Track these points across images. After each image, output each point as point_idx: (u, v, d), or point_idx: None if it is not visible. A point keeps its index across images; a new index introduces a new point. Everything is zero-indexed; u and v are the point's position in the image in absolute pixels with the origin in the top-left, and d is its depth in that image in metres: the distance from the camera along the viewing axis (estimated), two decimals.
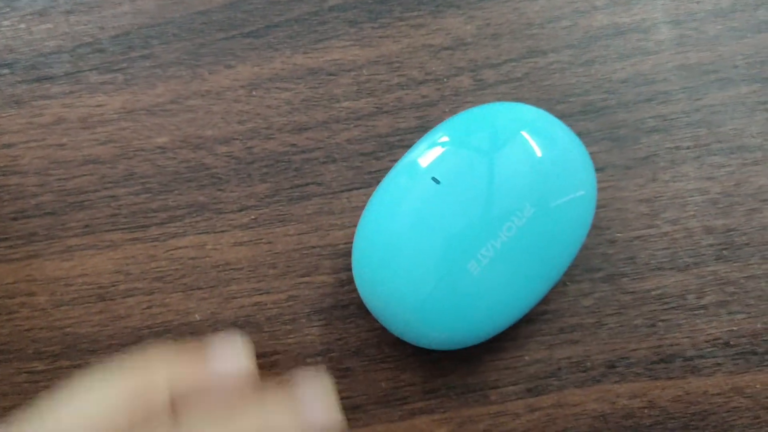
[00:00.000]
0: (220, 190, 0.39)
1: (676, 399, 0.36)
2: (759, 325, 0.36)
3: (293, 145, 0.38)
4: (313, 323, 0.38)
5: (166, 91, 0.41)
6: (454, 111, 0.38)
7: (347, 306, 0.38)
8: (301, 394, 0.28)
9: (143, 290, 0.38)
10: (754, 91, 0.38)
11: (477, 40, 0.40)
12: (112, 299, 0.38)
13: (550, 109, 0.39)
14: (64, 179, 0.39)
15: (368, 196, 0.36)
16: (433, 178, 0.31)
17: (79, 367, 0.37)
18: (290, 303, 0.38)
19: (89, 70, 0.41)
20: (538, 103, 0.39)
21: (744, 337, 0.36)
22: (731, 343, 0.36)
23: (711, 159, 0.39)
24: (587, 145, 0.38)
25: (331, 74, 0.40)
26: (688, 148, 0.39)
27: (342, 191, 0.37)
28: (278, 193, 0.38)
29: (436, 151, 0.32)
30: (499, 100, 0.39)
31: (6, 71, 0.41)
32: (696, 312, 0.38)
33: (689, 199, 0.38)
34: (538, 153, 0.32)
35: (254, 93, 0.40)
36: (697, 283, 0.38)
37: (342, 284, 0.37)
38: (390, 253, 0.31)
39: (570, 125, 0.39)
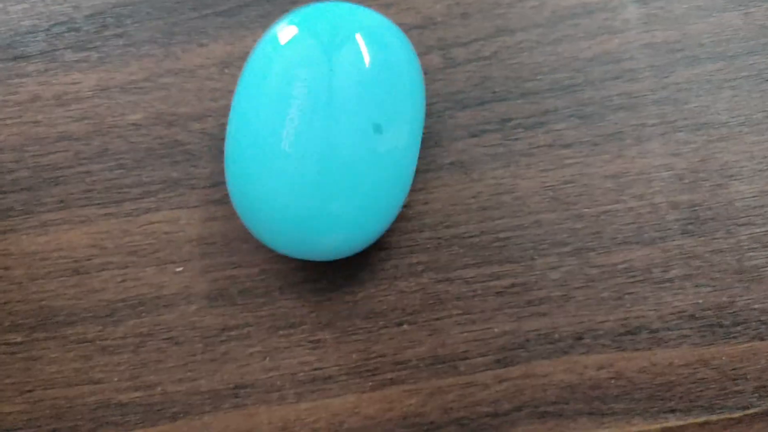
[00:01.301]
0: (193, 166, 0.39)
1: (642, 370, 0.37)
2: (724, 299, 0.37)
3: None
4: (285, 296, 0.38)
5: (139, 69, 0.41)
6: (425, 88, 0.38)
7: (319, 280, 0.38)
8: None
9: (117, 264, 0.39)
10: (719, 69, 0.39)
11: (446, 19, 0.41)
12: (86, 273, 0.38)
13: (518, 87, 0.40)
14: (39, 155, 0.40)
15: None
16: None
17: (55, 338, 0.38)
18: (263, 276, 0.39)
19: (64, 48, 0.41)
20: (506, 81, 0.39)
21: (709, 309, 0.37)
22: (697, 315, 0.37)
23: (677, 136, 0.39)
24: (555, 122, 0.40)
25: None
26: (654, 125, 0.40)
27: None
28: None
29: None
30: (468, 78, 0.39)
31: None
32: (662, 285, 0.38)
33: (655, 175, 0.39)
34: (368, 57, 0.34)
35: (226, 71, 0.41)
36: (663, 257, 0.38)
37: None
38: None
39: (538, 102, 0.40)
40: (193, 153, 0.40)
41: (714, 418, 0.37)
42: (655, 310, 0.38)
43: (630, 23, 0.41)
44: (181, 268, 0.39)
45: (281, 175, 0.33)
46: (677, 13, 0.41)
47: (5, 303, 0.39)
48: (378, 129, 0.33)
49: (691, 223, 0.38)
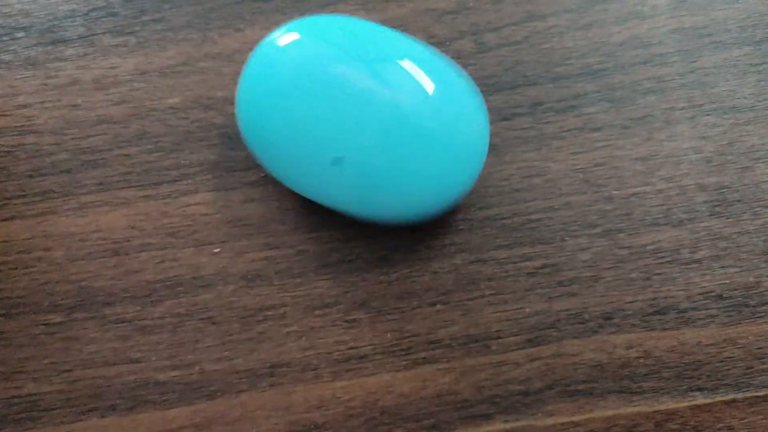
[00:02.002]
0: (230, 149, 0.40)
1: (670, 349, 0.37)
2: (751, 279, 0.37)
3: None
4: (320, 277, 0.39)
5: (177, 53, 0.41)
6: None
7: (353, 260, 0.39)
8: None
9: (156, 245, 0.39)
10: (745, 54, 0.39)
11: (479, 4, 0.41)
12: (126, 254, 0.39)
13: (549, 71, 0.40)
14: (78, 138, 0.40)
15: None
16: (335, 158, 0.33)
17: (94, 319, 0.38)
18: (299, 257, 0.39)
19: (102, 33, 0.41)
20: (537, 66, 0.40)
21: (736, 290, 0.37)
22: (724, 295, 0.37)
23: (704, 119, 0.39)
24: (585, 106, 0.40)
25: None
26: (682, 108, 0.40)
27: None
28: None
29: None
30: (500, 63, 0.40)
31: (22, 34, 0.41)
32: (690, 266, 0.38)
33: (683, 157, 0.39)
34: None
35: None
36: (691, 238, 0.39)
37: (348, 240, 0.38)
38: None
39: (568, 86, 0.40)
40: (230, 136, 0.40)
41: (740, 396, 0.37)
42: (683, 290, 0.38)
43: (659, 9, 0.41)
44: (218, 249, 0.39)
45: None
46: None
47: (45, 283, 0.39)
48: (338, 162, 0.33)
49: (718, 205, 0.38)
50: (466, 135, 0.34)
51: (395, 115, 0.33)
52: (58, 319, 0.39)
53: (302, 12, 0.41)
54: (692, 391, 0.38)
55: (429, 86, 0.34)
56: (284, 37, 0.35)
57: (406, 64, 0.34)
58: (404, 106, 0.33)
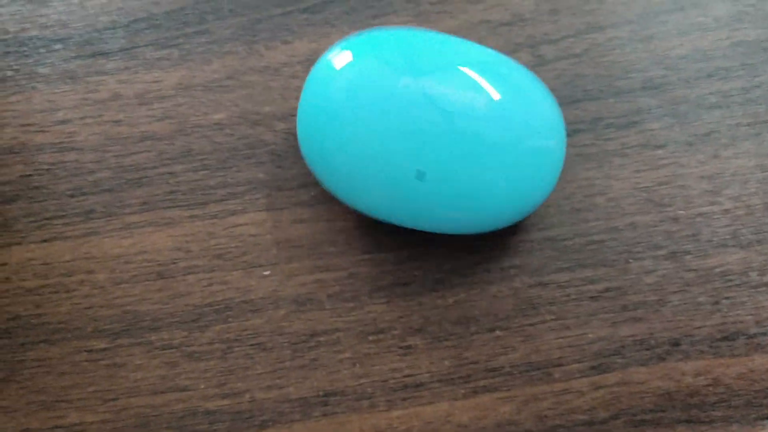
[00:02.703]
0: (279, 167, 0.38)
1: (740, 376, 0.36)
2: None
3: None
4: (374, 301, 0.37)
5: (222, 67, 0.40)
6: None
7: (409, 284, 0.37)
8: None
9: (203, 268, 0.38)
10: None
11: (535, 15, 0.40)
12: (172, 277, 0.37)
13: (609, 85, 0.39)
14: (121, 156, 0.39)
15: None
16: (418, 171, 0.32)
17: (139, 344, 0.37)
18: (351, 280, 0.38)
19: (145, 45, 0.40)
20: (597, 80, 0.38)
21: None
22: None
23: None
24: (648, 122, 0.39)
25: None
26: (748, 124, 0.39)
27: None
28: None
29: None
30: (558, 77, 0.38)
31: (59, 46, 0.40)
32: (759, 289, 0.37)
33: (750, 176, 0.38)
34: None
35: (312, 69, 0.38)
36: (760, 260, 0.37)
37: (402, 261, 0.37)
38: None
39: (630, 101, 0.39)
40: (279, 153, 0.39)
41: None
42: (752, 314, 0.37)
43: (722, 20, 0.40)
44: (268, 272, 0.38)
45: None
46: None
47: (88, 308, 0.37)
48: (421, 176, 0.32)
49: None
50: (542, 141, 0.33)
51: (469, 127, 0.32)
52: (102, 346, 0.37)
53: (352, 23, 0.40)
54: (762, 419, 0.36)
55: (501, 94, 0.33)
56: (344, 53, 0.34)
57: (477, 74, 0.33)
58: (477, 116, 0.32)
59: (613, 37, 0.40)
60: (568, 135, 0.38)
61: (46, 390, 0.37)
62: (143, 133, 0.39)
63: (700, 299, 0.37)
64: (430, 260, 0.37)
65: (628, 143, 0.39)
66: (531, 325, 0.38)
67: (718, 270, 0.38)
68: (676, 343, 0.37)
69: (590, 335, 0.37)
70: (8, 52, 0.40)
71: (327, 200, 0.38)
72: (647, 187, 0.39)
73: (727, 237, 0.38)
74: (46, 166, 0.39)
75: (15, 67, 0.40)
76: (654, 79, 0.40)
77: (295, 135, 0.38)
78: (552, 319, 0.37)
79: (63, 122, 0.40)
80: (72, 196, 0.39)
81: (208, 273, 0.38)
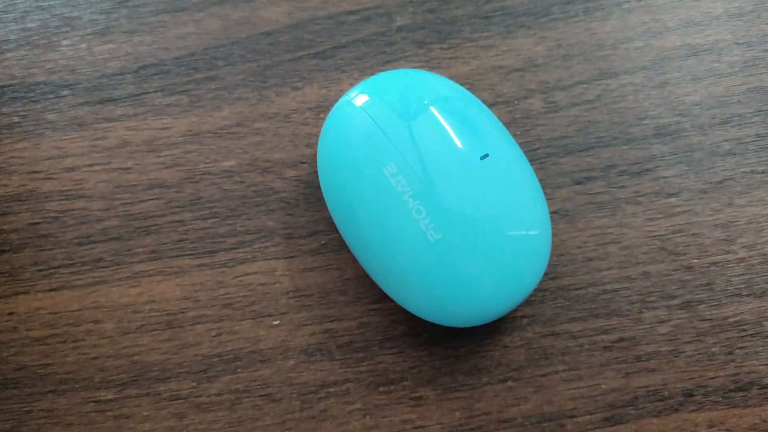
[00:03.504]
0: (289, 214, 0.39)
1: (753, 427, 0.37)
2: None
3: None
4: (385, 351, 0.38)
5: (232, 113, 0.41)
6: (525, 134, 0.39)
7: (419, 333, 0.38)
8: None
9: (212, 317, 0.38)
10: None
11: (548, 61, 0.41)
12: (180, 326, 0.38)
13: (622, 132, 0.40)
14: (129, 203, 0.40)
15: None
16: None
17: (147, 395, 0.37)
18: (362, 330, 0.38)
19: (154, 91, 0.41)
20: (610, 126, 0.39)
21: None
22: None
23: None
24: (661, 169, 0.40)
25: None
26: (763, 172, 0.40)
27: None
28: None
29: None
30: (571, 123, 0.39)
31: (67, 92, 0.41)
32: None
33: (765, 224, 0.39)
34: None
35: (322, 115, 0.41)
36: None
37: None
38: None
39: (643, 148, 0.40)
40: (289, 201, 0.40)
41: None
42: (766, 364, 0.38)
43: (736, 66, 0.41)
44: (277, 322, 0.39)
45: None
46: None
47: (95, 358, 0.38)
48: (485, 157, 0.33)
49: None
50: (527, 239, 0.34)
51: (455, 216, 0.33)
52: (110, 396, 0.38)
53: (362, 69, 0.41)
54: None
55: (490, 190, 0.34)
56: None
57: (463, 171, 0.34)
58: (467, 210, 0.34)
59: (626, 83, 0.41)
60: (581, 183, 0.39)
61: None
62: (152, 180, 0.40)
63: (714, 349, 0.38)
64: None
65: (642, 191, 0.40)
66: (543, 375, 0.38)
67: (732, 320, 0.38)
68: (689, 394, 0.37)
69: (603, 386, 0.38)
70: (15, 98, 0.41)
71: (337, 249, 0.39)
72: (661, 235, 0.40)
73: (742, 286, 0.38)
74: (53, 214, 0.40)
75: (22, 113, 0.41)
76: (667, 126, 0.40)
77: (305, 182, 0.39)
78: (564, 370, 0.38)
79: (71, 169, 0.40)
80: (80, 244, 0.40)
81: (216, 323, 0.39)
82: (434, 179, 0.33)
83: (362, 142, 0.34)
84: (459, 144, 0.33)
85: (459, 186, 0.33)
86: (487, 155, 0.33)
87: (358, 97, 0.34)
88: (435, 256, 0.33)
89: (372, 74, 0.40)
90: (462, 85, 0.40)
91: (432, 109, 0.34)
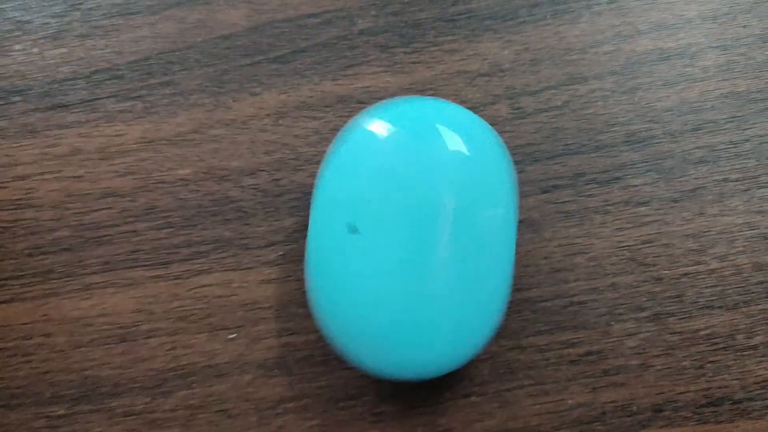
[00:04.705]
0: (246, 224, 0.40)
1: None
2: None
3: None
4: (345, 365, 0.39)
5: (188, 120, 0.42)
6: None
7: None
8: None
9: (166, 330, 0.39)
10: None
11: (515, 66, 0.42)
12: (133, 340, 0.39)
13: (591, 139, 0.41)
14: (81, 213, 0.41)
15: None
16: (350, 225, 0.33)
17: (100, 411, 0.38)
18: (321, 344, 0.39)
19: (107, 97, 0.42)
20: (578, 133, 0.41)
21: None
22: None
23: (760, 192, 0.40)
24: (631, 177, 0.41)
25: (361, 102, 0.41)
26: (736, 180, 0.41)
27: None
28: (307, 228, 0.38)
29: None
30: (538, 130, 0.41)
31: (18, 98, 0.42)
32: (746, 353, 0.39)
33: (738, 234, 0.40)
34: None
35: (281, 122, 0.42)
36: (746, 322, 0.39)
37: None
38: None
39: (613, 156, 0.41)
40: (246, 210, 0.41)
41: None
42: (738, 379, 0.39)
43: (710, 71, 0.42)
44: (234, 335, 0.40)
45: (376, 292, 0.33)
46: (759, 60, 0.42)
47: (46, 372, 0.39)
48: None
49: None
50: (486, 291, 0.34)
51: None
52: (61, 412, 0.39)
53: (323, 74, 0.42)
54: None
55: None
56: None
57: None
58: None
59: (595, 88, 0.42)
60: (548, 191, 0.40)
61: None
62: (104, 189, 0.41)
63: (684, 363, 0.39)
64: None
65: (611, 200, 0.41)
66: (508, 390, 0.39)
67: (703, 333, 0.40)
68: (659, 410, 0.39)
69: (570, 401, 0.39)
70: None
71: (295, 259, 0.40)
72: (630, 246, 0.41)
73: (713, 298, 0.40)
74: (3, 224, 0.41)
75: None
76: (638, 133, 0.42)
77: (263, 191, 0.40)
78: (530, 384, 0.39)
79: (21, 178, 0.42)
80: (30, 255, 0.41)
81: (171, 336, 0.40)
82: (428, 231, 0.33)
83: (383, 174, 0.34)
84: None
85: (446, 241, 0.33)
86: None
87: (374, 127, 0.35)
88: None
89: (333, 79, 0.41)
90: (426, 90, 0.41)
91: (453, 156, 0.34)
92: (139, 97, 0.42)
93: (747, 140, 0.41)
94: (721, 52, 0.41)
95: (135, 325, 0.39)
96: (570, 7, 0.43)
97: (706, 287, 0.39)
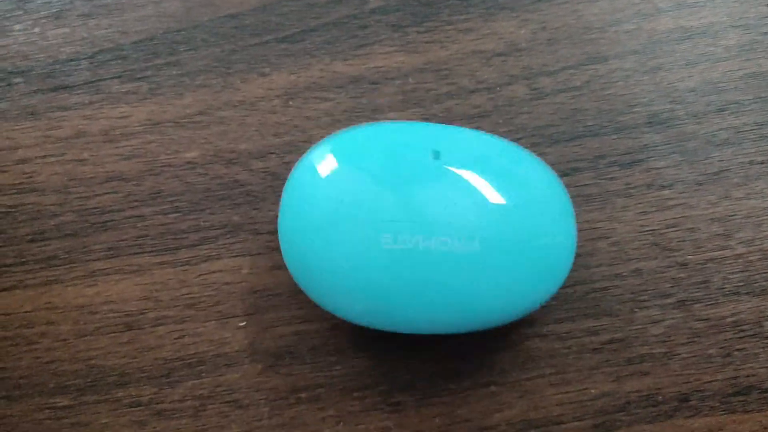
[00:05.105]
0: (255, 209, 0.40)
1: None
2: None
3: None
4: (359, 354, 0.38)
5: (194, 101, 0.41)
6: (508, 123, 0.39)
7: (395, 336, 0.37)
8: None
9: (174, 318, 0.38)
10: None
11: (532, 45, 0.41)
12: (140, 328, 0.38)
13: (612, 121, 0.40)
14: (85, 197, 0.40)
15: None
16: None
17: (106, 402, 0.37)
18: (335, 332, 0.38)
19: (110, 78, 0.41)
20: (598, 114, 0.40)
21: None
22: None
23: None
24: (653, 160, 0.40)
25: (374, 82, 0.41)
26: (762, 162, 0.40)
27: None
28: None
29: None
30: (556, 111, 0.40)
31: (20, 80, 0.41)
32: None
33: (764, 217, 0.39)
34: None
35: (291, 103, 0.41)
36: None
37: None
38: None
39: (634, 137, 0.40)
40: (256, 194, 0.40)
41: None
42: (766, 367, 0.38)
43: (732, 50, 0.41)
44: (244, 323, 0.39)
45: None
46: None
47: (50, 362, 0.38)
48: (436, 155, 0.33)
49: None
50: (548, 241, 0.33)
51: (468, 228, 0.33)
52: (66, 403, 0.38)
53: (333, 54, 0.41)
54: None
55: (503, 194, 0.34)
56: (326, 156, 0.34)
57: (477, 171, 0.34)
58: (478, 217, 0.33)
59: (616, 68, 0.41)
60: (568, 174, 0.39)
61: None
62: (109, 173, 0.40)
63: (711, 351, 0.38)
64: None
65: (633, 183, 0.40)
66: (529, 379, 0.38)
67: (729, 320, 0.39)
68: (684, 399, 0.38)
69: (593, 390, 0.38)
70: None
71: None
72: (653, 230, 0.40)
73: (740, 284, 0.39)
74: (4, 209, 0.40)
75: None
76: (660, 114, 0.41)
77: (273, 174, 0.39)
78: (551, 373, 0.38)
79: (23, 161, 0.41)
80: (32, 241, 0.40)
81: (179, 324, 0.39)
82: (432, 212, 0.33)
83: (345, 220, 0.33)
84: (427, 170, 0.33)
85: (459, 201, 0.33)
86: (438, 153, 0.32)
87: (321, 165, 0.33)
88: (470, 266, 0.32)
89: (344, 59, 0.40)
90: (440, 70, 0.41)
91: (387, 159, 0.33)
92: (144, 78, 0.41)
93: None
94: (743, 32, 0.41)
95: (142, 313, 0.39)
96: None
97: (733, 273, 0.38)
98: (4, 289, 0.39)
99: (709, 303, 0.39)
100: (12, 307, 0.39)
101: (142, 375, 0.38)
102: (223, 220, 0.40)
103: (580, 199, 0.40)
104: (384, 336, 0.38)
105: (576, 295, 0.39)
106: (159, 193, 0.40)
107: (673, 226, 0.39)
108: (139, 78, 0.41)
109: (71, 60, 0.41)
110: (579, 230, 0.38)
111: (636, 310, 0.39)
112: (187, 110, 0.41)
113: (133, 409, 0.38)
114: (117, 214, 0.40)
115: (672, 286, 0.39)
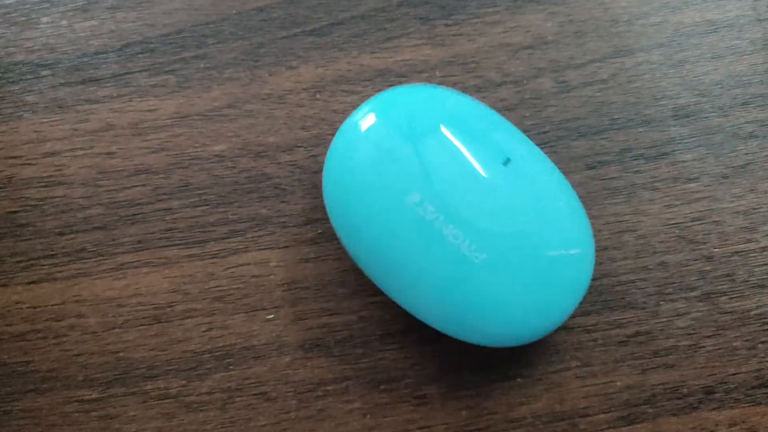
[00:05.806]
0: (283, 202, 0.40)
1: None
2: None
3: None
4: (386, 346, 0.39)
5: (222, 94, 0.41)
6: (535, 116, 0.40)
7: (423, 328, 0.38)
8: None
9: (202, 311, 0.39)
10: None
11: (559, 38, 0.42)
12: (168, 321, 0.39)
13: (638, 114, 0.41)
14: (114, 190, 0.40)
15: None
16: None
17: (134, 394, 0.38)
18: (362, 325, 0.39)
19: (139, 71, 0.42)
20: (625, 107, 0.41)
21: None
22: None
23: None
24: (680, 153, 0.40)
25: (401, 75, 0.41)
26: None
27: None
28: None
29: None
30: (583, 104, 0.40)
31: (47, 72, 0.41)
32: None
33: None
34: None
35: (318, 96, 0.41)
36: None
37: None
38: None
39: (660, 130, 0.41)
40: (284, 187, 0.41)
41: None
42: None
43: (758, 44, 0.42)
44: (272, 316, 0.40)
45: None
46: None
47: (78, 355, 0.39)
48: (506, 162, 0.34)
49: None
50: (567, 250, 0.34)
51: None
52: (94, 396, 0.39)
53: (361, 47, 0.42)
54: None
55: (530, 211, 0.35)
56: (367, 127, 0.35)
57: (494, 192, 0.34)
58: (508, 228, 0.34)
59: (642, 61, 0.42)
60: (594, 167, 0.40)
61: None
62: (137, 166, 0.41)
63: (736, 344, 0.39)
64: None
65: (659, 176, 0.41)
66: (555, 372, 0.39)
67: (755, 312, 0.39)
68: (710, 391, 0.38)
69: (618, 383, 0.38)
70: None
71: (335, 237, 0.39)
72: (679, 223, 0.40)
73: (765, 277, 0.39)
74: (33, 202, 0.41)
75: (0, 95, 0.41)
76: (686, 107, 0.41)
77: (301, 167, 0.40)
78: (577, 366, 0.39)
79: (51, 154, 0.41)
80: (61, 234, 0.40)
81: (207, 317, 0.39)
82: (463, 199, 0.33)
83: (376, 173, 0.34)
84: (479, 159, 0.34)
85: (491, 201, 0.34)
86: (509, 160, 0.33)
87: (365, 120, 0.35)
88: (481, 278, 0.32)
89: (372, 52, 0.41)
90: (467, 63, 0.41)
91: (443, 128, 0.34)
92: (172, 71, 0.41)
93: None
94: None
95: (170, 306, 0.39)
96: None
97: (758, 266, 0.39)
98: (33, 282, 0.40)
99: (735, 296, 0.39)
100: (40, 301, 0.40)
101: (170, 368, 0.39)
102: (251, 213, 0.40)
103: (606, 192, 0.40)
104: (410, 328, 0.39)
105: (602, 288, 0.39)
106: (187, 186, 0.40)
107: (699, 219, 0.40)
108: (167, 71, 0.42)
109: (99, 53, 0.42)
110: (605, 224, 0.40)
111: (661, 302, 0.39)
112: (215, 103, 0.41)
113: (161, 401, 0.39)
114: (145, 207, 0.40)
115: (697, 279, 0.39)
